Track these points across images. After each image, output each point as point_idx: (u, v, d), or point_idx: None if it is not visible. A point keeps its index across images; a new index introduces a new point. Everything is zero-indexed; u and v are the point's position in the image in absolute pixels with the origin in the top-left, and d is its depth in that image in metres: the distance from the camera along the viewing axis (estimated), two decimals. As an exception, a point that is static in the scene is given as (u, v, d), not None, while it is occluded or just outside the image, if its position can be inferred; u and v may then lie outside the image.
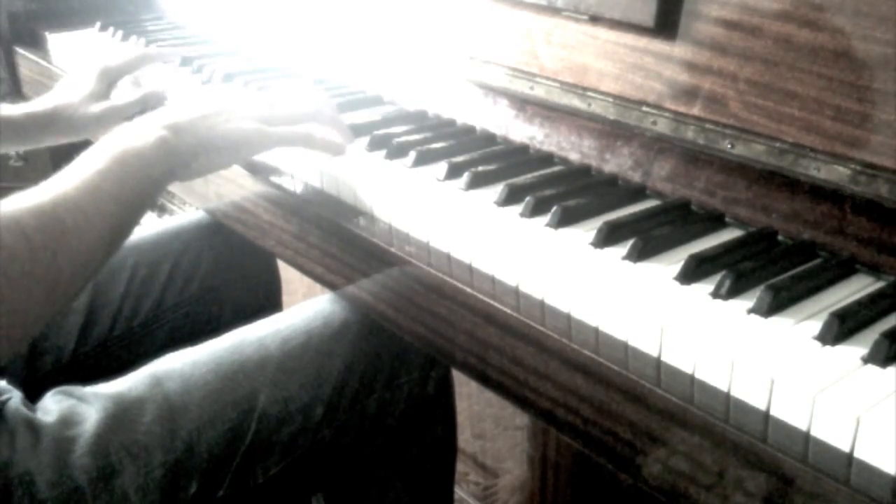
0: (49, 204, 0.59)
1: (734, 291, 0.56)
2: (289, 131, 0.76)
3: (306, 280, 0.91)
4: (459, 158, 0.76)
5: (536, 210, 0.68)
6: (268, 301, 1.09)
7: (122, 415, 0.68)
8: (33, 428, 0.66)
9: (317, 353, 0.78)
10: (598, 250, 0.63)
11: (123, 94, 0.97)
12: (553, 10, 0.79)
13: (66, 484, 0.64)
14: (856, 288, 0.58)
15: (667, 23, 0.70)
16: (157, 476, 0.67)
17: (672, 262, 0.60)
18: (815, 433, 0.45)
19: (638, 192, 0.72)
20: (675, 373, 0.51)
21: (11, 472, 0.63)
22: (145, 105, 0.95)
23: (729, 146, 0.67)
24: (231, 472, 0.71)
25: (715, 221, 0.67)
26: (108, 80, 0.96)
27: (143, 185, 0.67)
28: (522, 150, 0.81)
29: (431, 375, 0.85)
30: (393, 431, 0.84)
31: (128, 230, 0.67)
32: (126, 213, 0.66)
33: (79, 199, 0.61)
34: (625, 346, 0.54)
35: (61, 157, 0.70)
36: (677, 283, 0.58)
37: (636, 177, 0.74)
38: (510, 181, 0.72)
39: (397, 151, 0.79)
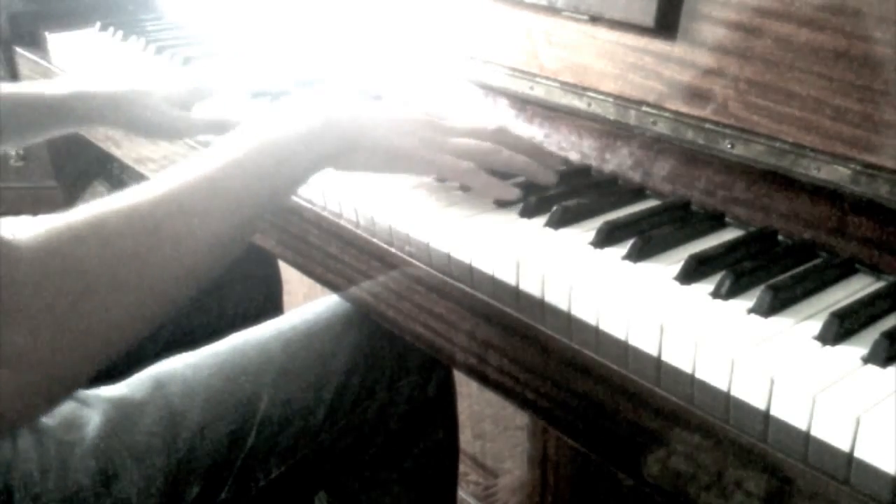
0: (146, 205, 0.54)
1: (734, 291, 0.56)
2: (449, 163, 0.70)
3: (306, 280, 0.91)
4: (459, 158, 0.76)
5: (536, 210, 0.68)
6: (268, 301, 1.09)
7: (123, 418, 0.68)
8: (35, 431, 0.66)
9: (318, 356, 0.78)
10: (598, 250, 0.63)
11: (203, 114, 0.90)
12: (553, 10, 0.79)
13: (68, 487, 0.64)
14: (856, 288, 0.58)
15: (667, 23, 0.70)
16: (159, 479, 0.67)
17: (672, 262, 0.60)
18: (815, 433, 0.45)
19: (638, 192, 0.72)
20: (675, 373, 0.51)
21: (13, 475, 0.63)
22: (221, 130, 0.85)
23: (729, 146, 0.67)
24: (233, 475, 0.71)
25: (715, 221, 0.67)
26: (195, 97, 0.90)
27: (280, 180, 0.62)
28: (522, 150, 0.81)
29: (433, 378, 0.85)
30: (394, 434, 0.84)
31: (248, 234, 0.62)
32: (249, 216, 0.60)
33: (186, 200, 0.55)
34: (625, 346, 0.54)
35: (61, 156, 0.69)
36: (677, 283, 0.58)
37: (636, 177, 0.74)
38: (510, 181, 0.72)
39: (397, 151, 0.79)
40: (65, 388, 0.52)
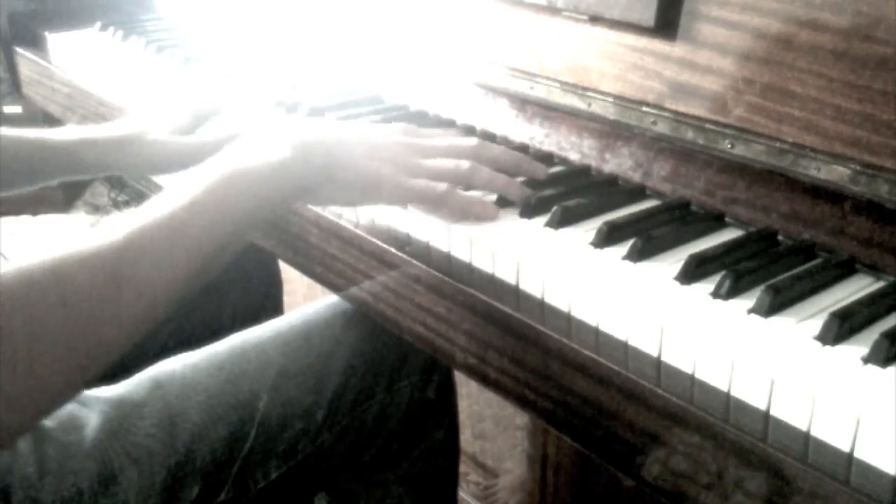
0: (107, 252, 0.51)
1: (734, 291, 0.56)
2: (425, 190, 0.66)
3: (306, 280, 0.91)
4: (459, 158, 0.76)
5: (536, 210, 0.68)
6: (268, 301, 1.09)
7: (122, 419, 0.68)
8: (34, 432, 0.66)
9: (318, 357, 0.78)
10: (598, 250, 0.63)
11: (210, 132, 0.87)
12: (553, 10, 0.79)
13: (68, 489, 0.64)
14: (856, 288, 0.58)
15: (667, 23, 0.70)
16: (158, 480, 0.67)
17: (672, 262, 0.60)
18: (815, 433, 0.45)
19: (638, 192, 0.72)
20: (675, 373, 0.51)
21: (12, 476, 0.63)
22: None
23: (729, 146, 0.67)
24: (232, 476, 0.71)
25: (715, 221, 0.67)
26: (199, 120, 0.87)
27: (245, 217, 0.59)
28: (522, 149, 0.81)
29: (433, 378, 0.85)
30: (394, 434, 0.84)
31: (211, 271, 0.58)
32: (213, 253, 0.57)
33: (148, 245, 0.53)
34: (625, 346, 0.54)
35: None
36: (677, 283, 0.58)
37: (636, 177, 0.74)
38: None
39: (397, 152, 0.79)
40: (13, 433, 0.50)
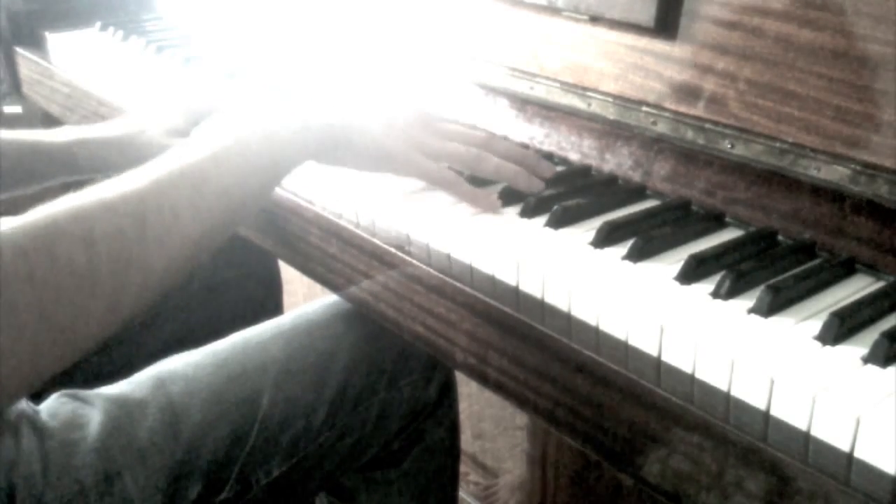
0: (133, 197, 0.52)
1: (734, 291, 0.56)
2: (434, 170, 0.69)
3: (306, 280, 0.91)
4: (459, 158, 0.76)
5: (536, 210, 0.68)
6: (268, 301, 1.10)
7: (125, 417, 0.68)
8: (37, 430, 0.66)
9: (319, 355, 0.78)
10: (598, 250, 0.63)
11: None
12: (553, 10, 0.79)
13: (70, 487, 0.64)
14: (856, 288, 0.58)
15: (667, 23, 0.70)
16: (160, 478, 0.67)
17: (672, 262, 0.60)
18: (815, 433, 0.45)
19: (638, 192, 0.72)
20: (675, 372, 0.51)
21: (16, 474, 0.63)
22: None
23: (729, 146, 0.67)
24: (234, 474, 0.71)
25: (715, 221, 0.67)
26: (194, 119, 0.88)
27: (266, 173, 0.61)
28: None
29: (433, 378, 0.85)
30: (395, 433, 0.84)
31: (232, 225, 0.60)
32: (237, 207, 0.58)
33: (173, 192, 0.54)
34: (625, 346, 0.54)
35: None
36: (677, 283, 0.58)
37: (636, 177, 0.74)
38: (503, 186, 0.72)
39: (397, 151, 0.79)
40: (34, 383, 0.50)
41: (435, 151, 0.70)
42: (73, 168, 0.84)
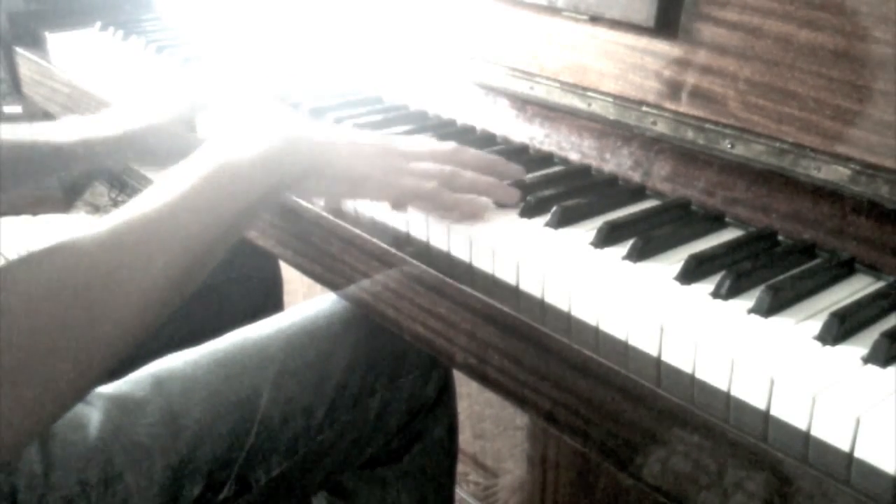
0: (91, 246, 0.51)
1: (734, 291, 0.56)
2: (412, 186, 0.67)
3: (306, 280, 0.91)
4: (459, 158, 0.76)
5: (536, 210, 0.68)
6: (268, 301, 1.10)
7: (124, 417, 0.68)
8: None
9: (318, 354, 0.78)
10: (598, 250, 0.63)
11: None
12: (553, 10, 0.79)
13: (72, 486, 0.64)
14: (856, 288, 0.58)
15: (667, 23, 0.70)
16: (160, 478, 0.67)
17: (672, 262, 0.60)
18: (815, 433, 0.45)
19: (638, 192, 0.72)
20: (675, 373, 0.51)
21: (18, 474, 0.63)
22: None
23: (729, 146, 0.67)
24: (233, 473, 0.72)
25: (715, 221, 0.67)
26: (195, 107, 0.87)
27: (235, 208, 0.59)
28: (522, 150, 0.81)
29: (432, 377, 0.85)
30: (394, 432, 0.84)
31: (206, 266, 0.58)
32: (205, 248, 0.57)
33: (133, 241, 0.52)
34: (625, 346, 0.54)
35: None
36: (677, 283, 0.58)
37: (636, 177, 0.74)
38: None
39: (397, 151, 0.79)
40: (18, 443, 0.49)
41: (407, 172, 0.67)
42: (78, 164, 0.83)
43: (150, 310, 0.53)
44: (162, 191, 0.56)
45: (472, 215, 0.67)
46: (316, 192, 0.69)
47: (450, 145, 0.71)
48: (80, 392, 0.52)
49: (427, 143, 0.72)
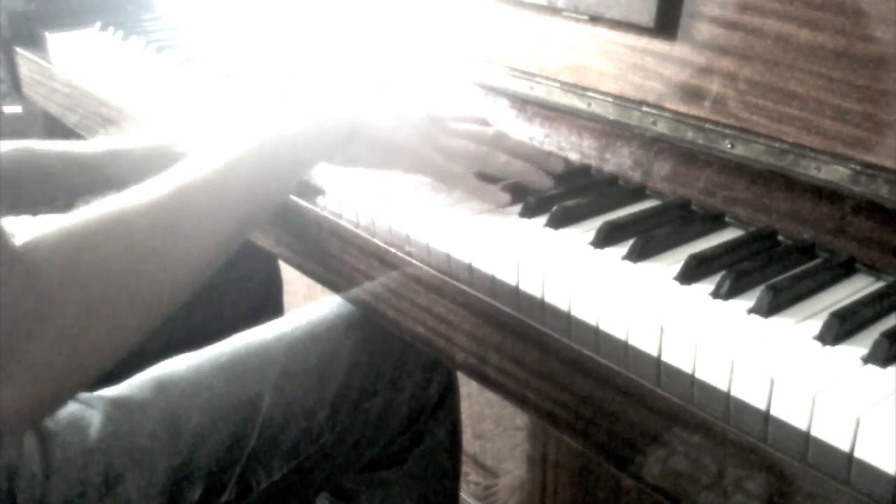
0: (164, 200, 0.55)
1: (734, 291, 0.56)
2: (442, 165, 0.70)
3: (306, 280, 0.91)
4: (459, 159, 0.76)
5: (536, 210, 0.68)
6: (268, 301, 1.10)
7: (126, 420, 0.68)
8: (38, 433, 0.66)
9: (320, 357, 0.78)
10: (598, 250, 0.63)
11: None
12: (553, 10, 0.79)
13: (72, 489, 0.64)
14: (856, 288, 0.58)
15: (667, 23, 0.70)
16: (161, 481, 0.67)
17: (672, 262, 0.60)
18: (815, 433, 0.45)
19: (638, 192, 0.72)
20: (675, 373, 0.51)
21: (17, 477, 0.63)
22: None
23: (729, 146, 0.67)
24: (235, 476, 0.72)
25: (715, 221, 0.67)
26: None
27: (285, 173, 0.64)
28: (522, 150, 0.81)
29: (434, 379, 0.85)
30: (396, 434, 0.84)
31: (253, 226, 0.64)
32: (256, 208, 0.62)
33: (201, 195, 0.57)
34: (625, 346, 0.54)
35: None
36: (677, 283, 0.58)
37: (636, 177, 0.74)
38: (510, 181, 0.72)
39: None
40: (74, 391, 0.53)
41: (444, 147, 0.71)
42: (104, 181, 0.82)
43: (209, 261, 0.58)
44: (220, 154, 0.60)
45: (494, 204, 0.69)
46: (354, 160, 0.70)
47: (491, 129, 0.75)
48: (148, 324, 0.54)
49: (470, 124, 0.75)
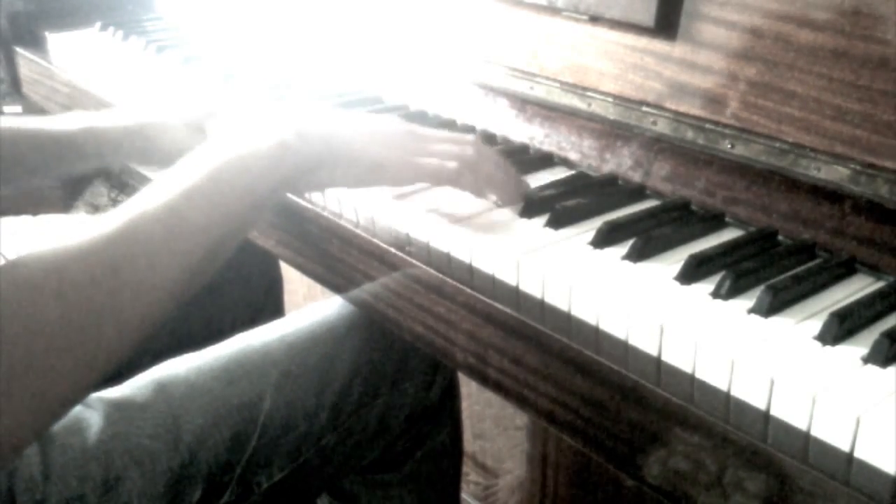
0: (103, 244, 0.49)
1: (734, 291, 0.56)
2: (434, 166, 0.65)
3: (306, 280, 0.91)
4: (459, 159, 0.76)
5: (536, 210, 0.68)
6: (268, 301, 1.09)
7: (126, 421, 0.68)
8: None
9: (321, 359, 0.78)
10: (598, 250, 0.63)
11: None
12: (553, 10, 0.79)
13: (71, 491, 0.64)
14: (856, 288, 0.58)
15: (667, 23, 0.70)
16: (162, 482, 0.67)
17: (672, 262, 0.60)
18: (815, 433, 0.45)
19: (638, 192, 0.72)
20: (675, 373, 0.51)
21: (16, 478, 0.63)
22: None
23: (729, 146, 0.67)
24: (235, 478, 0.71)
25: (715, 221, 0.67)
26: (211, 118, 0.83)
27: (247, 200, 0.57)
28: (522, 149, 0.81)
29: (436, 380, 0.85)
30: (397, 437, 0.84)
31: (214, 264, 0.56)
32: (215, 242, 0.55)
33: (144, 236, 0.51)
34: (625, 346, 0.54)
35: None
36: (677, 283, 0.58)
37: (636, 177, 0.74)
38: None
39: (397, 152, 0.79)
40: (17, 444, 0.48)
41: (427, 154, 0.66)
42: (82, 158, 0.79)
43: (156, 307, 0.52)
44: (167, 187, 0.54)
45: (503, 190, 0.67)
46: (336, 181, 0.65)
47: (470, 137, 0.70)
48: (83, 391, 0.51)
49: (448, 133, 0.71)
